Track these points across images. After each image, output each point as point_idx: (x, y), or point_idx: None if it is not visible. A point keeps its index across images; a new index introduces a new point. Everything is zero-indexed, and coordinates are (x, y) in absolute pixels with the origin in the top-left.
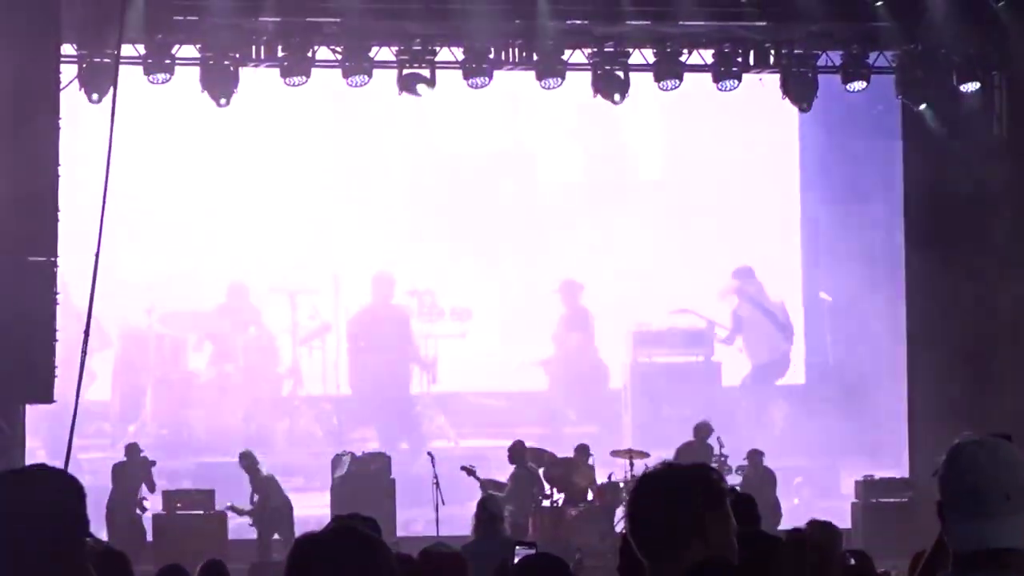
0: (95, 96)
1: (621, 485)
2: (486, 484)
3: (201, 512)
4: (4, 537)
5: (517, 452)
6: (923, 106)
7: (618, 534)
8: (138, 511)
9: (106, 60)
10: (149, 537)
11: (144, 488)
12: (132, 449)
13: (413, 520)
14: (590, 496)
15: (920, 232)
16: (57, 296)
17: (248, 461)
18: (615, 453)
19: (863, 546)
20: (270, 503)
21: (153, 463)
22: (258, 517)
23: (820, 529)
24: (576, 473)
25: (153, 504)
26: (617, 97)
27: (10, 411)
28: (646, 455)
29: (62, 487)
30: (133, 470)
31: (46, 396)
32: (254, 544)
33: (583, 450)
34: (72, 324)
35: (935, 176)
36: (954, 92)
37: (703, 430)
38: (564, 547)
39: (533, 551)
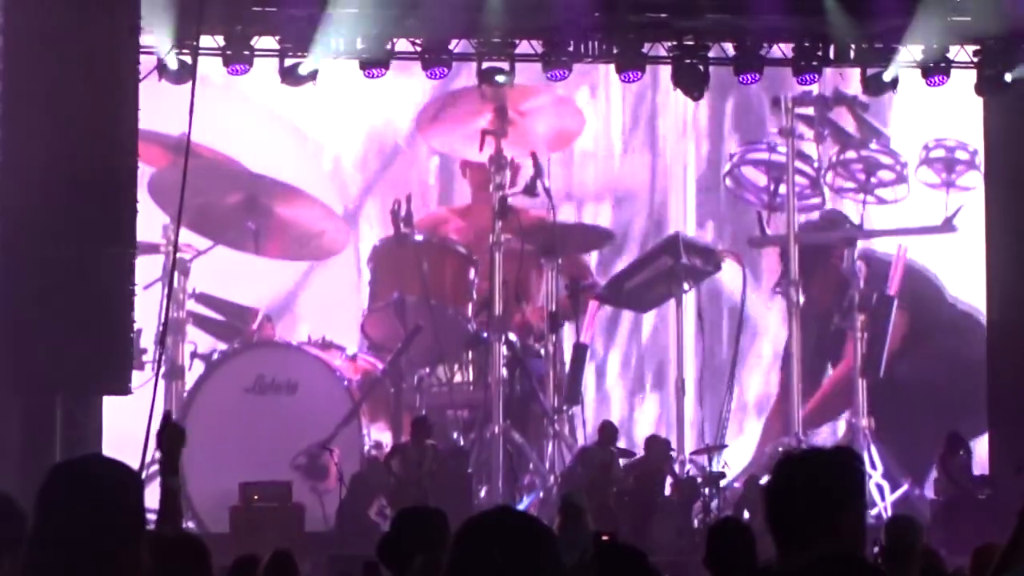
0: (175, 83)
1: (699, 480)
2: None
3: (277, 504)
4: (53, 530)
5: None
6: None
7: (696, 529)
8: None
9: (185, 51)
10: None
11: None
12: None
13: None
14: (668, 491)
15: None
16: (135, 287)
17: None
18: (696, 453)
19: (940, 543)
20: None
21: None
22: None
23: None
24: (654, 466)
25: (230, 496)
26: (696, 93)
27: (87, 403)
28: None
29: (116, 479)
30: None
31: (123, 388)
32: (331, 536)
33: (660, 443)
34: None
35: None
36: None
37: None
38: (642, 541)
39: (612, 542)
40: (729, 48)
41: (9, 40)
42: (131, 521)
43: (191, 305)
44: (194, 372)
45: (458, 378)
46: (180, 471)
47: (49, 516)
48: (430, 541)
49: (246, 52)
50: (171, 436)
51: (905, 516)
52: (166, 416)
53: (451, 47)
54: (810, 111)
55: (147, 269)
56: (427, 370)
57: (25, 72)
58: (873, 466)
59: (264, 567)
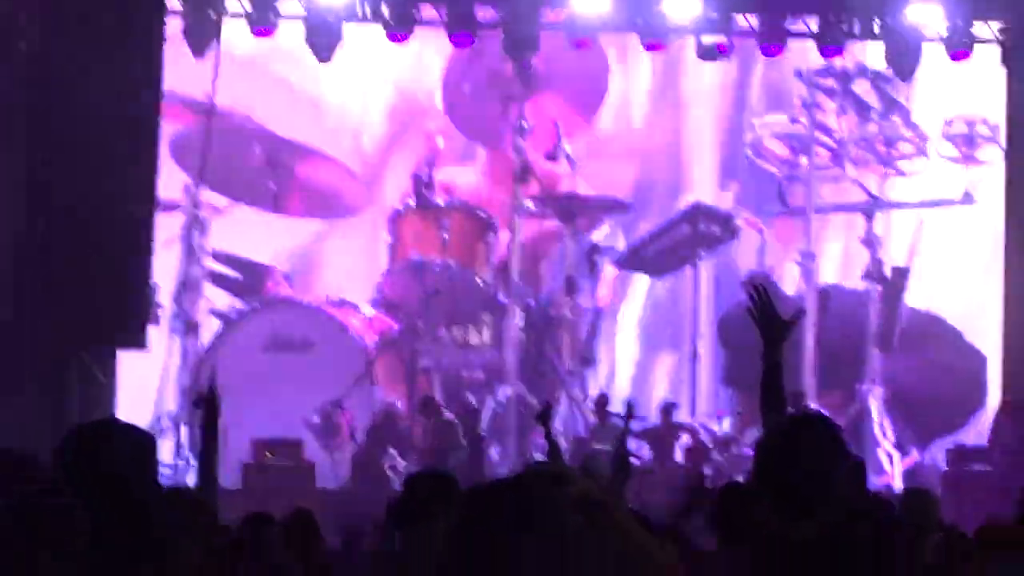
0: (198, 50)
1: (710, 445)
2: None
3: (289, 462)
4: (70, 495)
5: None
6: None
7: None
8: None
9: (210, 13)
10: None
11: None
12: None
13: None
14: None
15: None
16: (153, 244)
17: None
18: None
19: (952, 517)
20: None
21: None
22: None
23: (917, 498)
24: (663, 433)
25: (241, 453)
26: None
27: (104, 358)
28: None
29: (128, 444)
30: None
31: (139, 342)
32: (342, 494)
33: (669, 409)
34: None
35: None
36: None
37: None
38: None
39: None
40: (753, 20)
41: (36, 3)
42: (148, 488)
43: (209, 263)
44: (210, 329)
45: (474, 340)
46: (194, 429)
47: (67, 484)
48: (442, 505)
49: (271, 15)
50: (211, 407)
51: (920, 489)
52: (210, 390)
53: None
54: (831, 84)
55: (167, 227)
56: (443, 331)
57: (52, 34)
58: (884, 435)
59: (286, 526)
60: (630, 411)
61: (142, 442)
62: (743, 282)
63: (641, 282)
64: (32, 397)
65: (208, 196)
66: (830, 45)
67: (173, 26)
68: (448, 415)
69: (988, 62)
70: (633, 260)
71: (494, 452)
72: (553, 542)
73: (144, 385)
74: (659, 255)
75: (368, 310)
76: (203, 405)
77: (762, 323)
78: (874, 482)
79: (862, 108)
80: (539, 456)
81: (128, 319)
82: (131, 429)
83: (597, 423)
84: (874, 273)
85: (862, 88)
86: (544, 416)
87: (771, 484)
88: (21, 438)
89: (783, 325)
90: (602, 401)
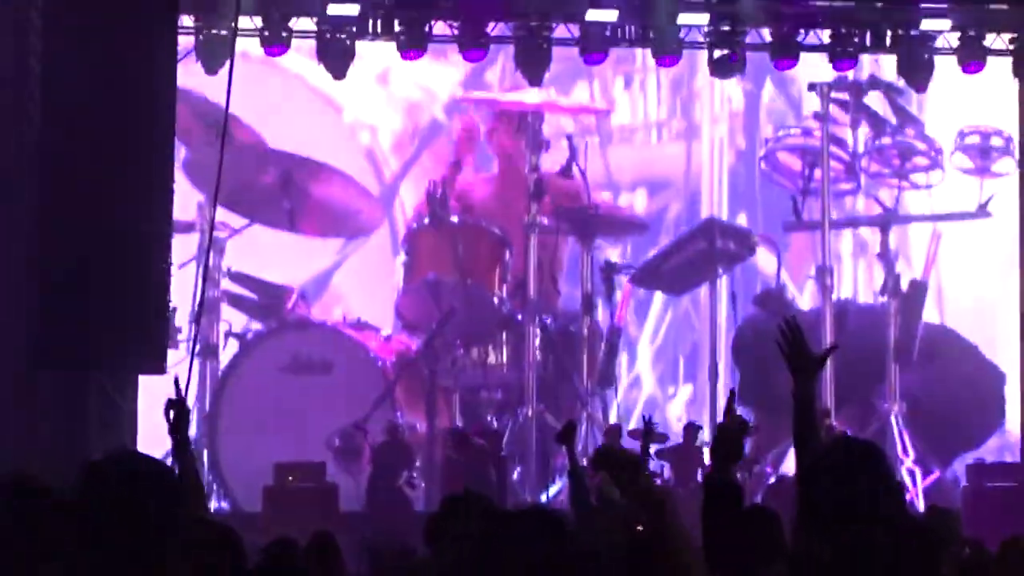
0: (211, 68)
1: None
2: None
3: (311, 484)
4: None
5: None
6: None
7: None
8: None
9: (223, 32)
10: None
11: None
12: None
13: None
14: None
15: None
16: (171, 267)
17: None
18: None
19: (973, 533)
20: None
21: None
22: None
23: (940, 515)
24: (686, 453)
25: (264, 476)
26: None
27: (123, 383)
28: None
29: (152, 480)
30: None
31: (159, 367)
32: (365, 516)
33: (692, 429)
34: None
35: None
36: None
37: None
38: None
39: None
40: (766, 34)
41: (49, 20)
42: (168, 522)
43: (226, 284)
44: (228, 351)
45: (492, 360)
46: (215, 451)
47: (86, 519)
48: (475, 525)
49: (284, 34)
50: (179, 415)
51: (943, 508)
52: (177, 399)
53: (489, 30)
54: (844, 96)
55: (182, 248)
56: (461, 351)
57: (65, 51)
58: (905, 452)
59: (306, 548)
60: (648, 428)
61: (163, 474)
62: (756, 298)
63: (658, 300)
64: (51, 422)
65: (223, 216)
66: (843, 58)
67: (185, 44)
68: (478, 442)
69: (1001, 74)
70: (649, 278)
71: (516, 473)
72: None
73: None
74: (675, 272)
75: (386, 329)
76: (173, 417)
77: (792, 359)
78: None
79: (876, 121)
80: (561, 477)
81: (147, 344)
82: (152, 461)
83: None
84: (891, 287)
85: (875, 101)
86: (567, 436)
87: (821, 511)
88: (41, 463)
89: (814, 361)
90: (613, 430)
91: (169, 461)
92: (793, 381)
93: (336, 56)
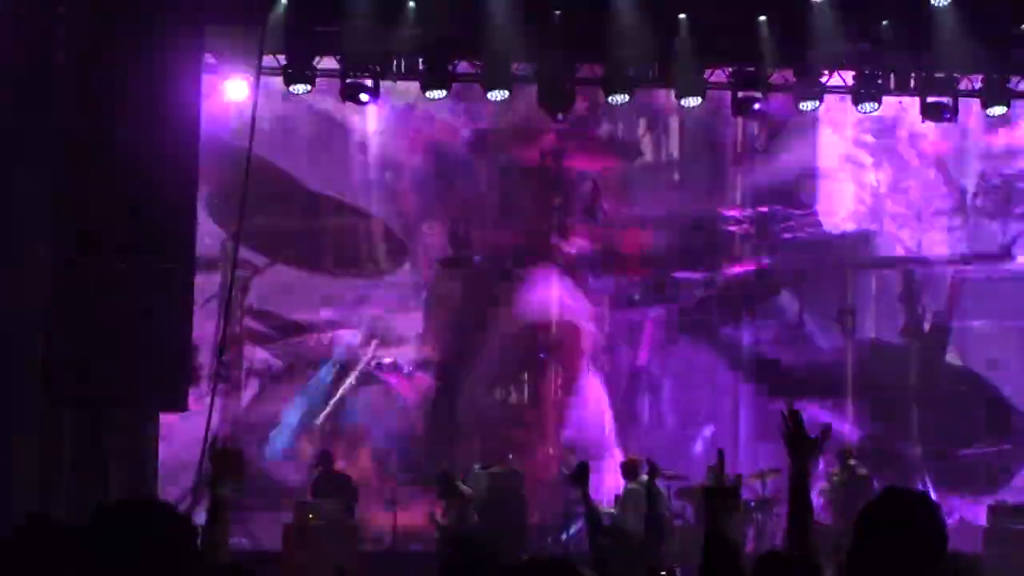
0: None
1: (752, 504)
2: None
3: (333, 521)
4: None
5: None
6: None
7: (748, 555)
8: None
9: (247, 71)
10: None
11: None
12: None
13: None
14: None
15: None
16: (193, 304)
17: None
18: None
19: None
20: None
21: None
22: None
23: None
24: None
25: (284, 514)
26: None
27: (144, 420)
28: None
29: (160, 529)
30: None
31: (180, 404)
32: (386, 556)
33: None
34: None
35: None
36: None
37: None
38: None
39: None
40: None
41: (72, 59)
42: (175, 570)
43: (248, 321)
44: (250, 388)
45: (514, 398)
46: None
47: (96, 563)
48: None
49: (307, 72)
50: (220, 459)
51: (964, 554)
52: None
53: (513, 69)
54: (869, 139)
55: (205, 286)
56: (483, 389)
57: (89, 90)
58: (928, 492)
59: None
60: (652, 471)
61: (172, 520)
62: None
63: (680, 339)
64: (71, 460)
65: (246, 255)
66: (867, 100)
67: (210, 83)
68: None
69: None
70: (671, 318)
71: (535, 513)
72: None
73: (185, 445)
74: (698, 312)
75: (407, 368)
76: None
77: (792, 443)
78: None
79: (899, 163)
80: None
81: (168, 381)
82: (162, 507)
83: (625, 485)
84: (912, 329)
85: (899, 143)
86: (581, 477)
87: (870, 559)
88: (67, 503)
89: (811, 445)
90: (630, 465)
91: (188, 499)
92: (791, 463)
93: (360, 95)
